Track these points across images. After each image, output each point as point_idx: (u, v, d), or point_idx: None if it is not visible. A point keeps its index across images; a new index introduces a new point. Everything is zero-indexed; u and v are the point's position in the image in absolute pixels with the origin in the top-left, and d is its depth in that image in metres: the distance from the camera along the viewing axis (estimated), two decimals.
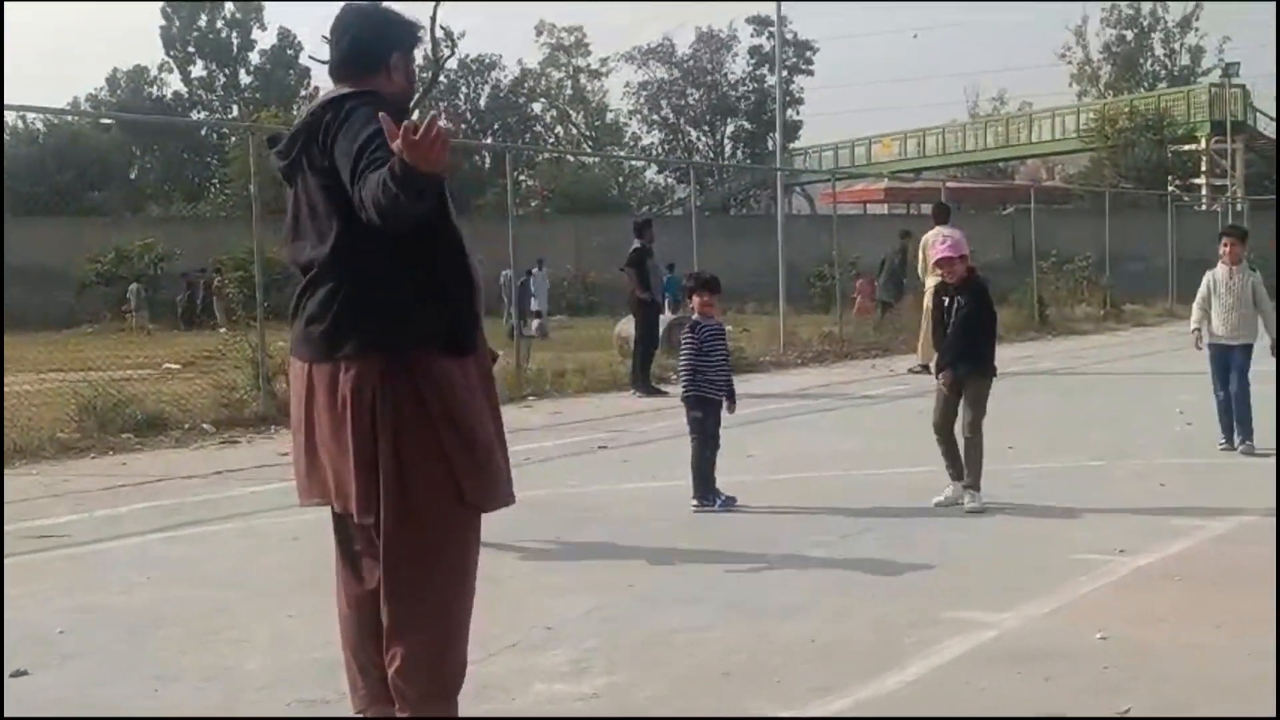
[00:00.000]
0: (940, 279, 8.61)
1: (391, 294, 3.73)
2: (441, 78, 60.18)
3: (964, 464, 8.18)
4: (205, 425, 12.37)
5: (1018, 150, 58.16)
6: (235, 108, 63.45)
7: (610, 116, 71.48)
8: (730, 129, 70.00)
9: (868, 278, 26.05)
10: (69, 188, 50.27)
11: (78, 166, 51.95)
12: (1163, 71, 68.62)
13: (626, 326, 17.87)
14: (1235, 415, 9.98)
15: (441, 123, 3.27)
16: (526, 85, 69.78)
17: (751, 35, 67.62)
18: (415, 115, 3.52)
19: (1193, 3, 66.90)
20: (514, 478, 4.05)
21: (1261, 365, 10.31)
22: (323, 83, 59.46)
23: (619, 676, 4.93)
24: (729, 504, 8.24)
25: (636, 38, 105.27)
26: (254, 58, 65.70)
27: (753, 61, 68.33)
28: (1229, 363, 10.02)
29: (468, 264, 3.86)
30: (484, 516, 3.94)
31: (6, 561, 6.78)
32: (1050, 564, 6.60)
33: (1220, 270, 10.10)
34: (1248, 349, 10.03)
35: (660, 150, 68.71)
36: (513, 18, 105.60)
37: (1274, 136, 51.93)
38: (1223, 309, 10.03)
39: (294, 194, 3.90)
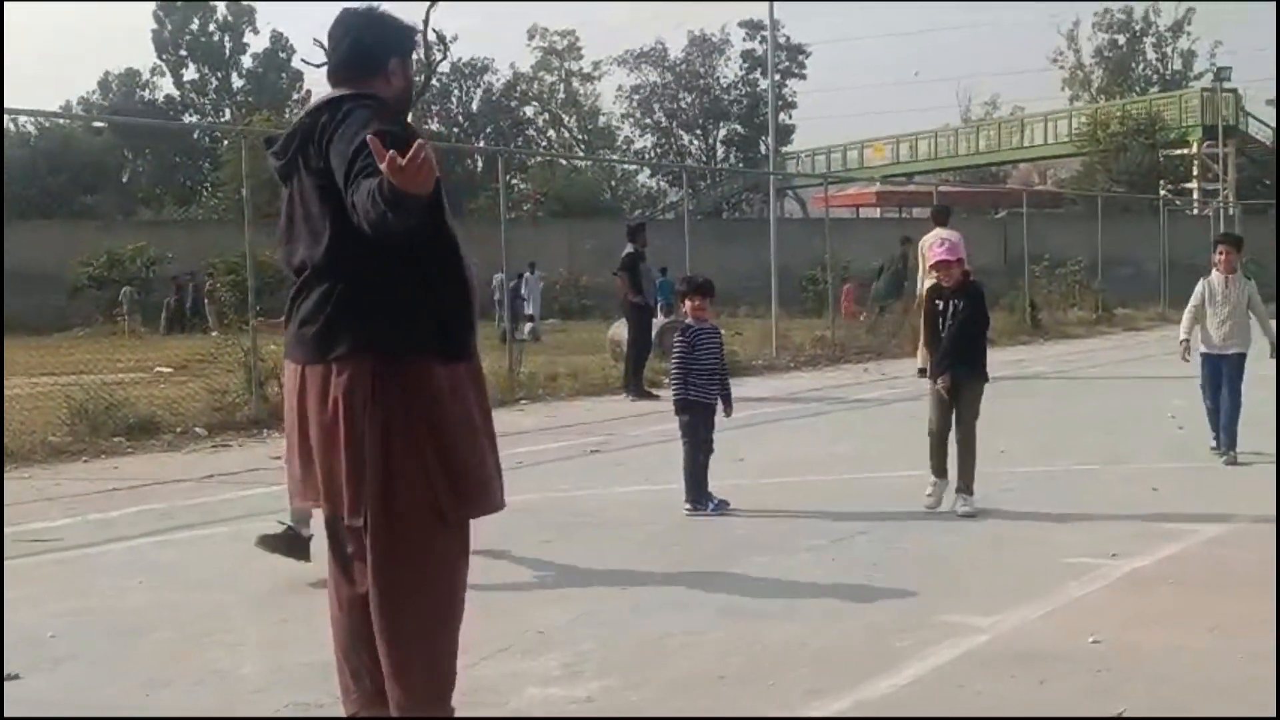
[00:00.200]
0: (936, 281, 8.55)
1: (385, 297, 3.73)
2: (434, 81, 60.28)
3: (958, 468, 8.13)
4: (197, 429, 12.36)
5: (1010, 154, 58.27)
6: (227, 111, 63.48)
7: (603, 120, 71.55)
8: (723, 133, 70.05)
9: (854, 283, 26.04)
10: (61, 191, 50.25)
11: (70, 170, 51.92)
12: (1154, 76, 68.78)
13: (619, 330, 17.87)
14: (1223, 425, 9.78)
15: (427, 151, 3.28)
16: (519, 89, 69.80)
17: (744, 39, 67.77)
18: (410, 117, 3.53)
19: (1187, 2, 67.05)
20: (506, 481, 4.04)
21: (1262, 369, 10.30)
22: (315, 86, 59.45)
23: (612, 680, 4.92)
24: (722, 508, 8.24)
25: (631, 40, 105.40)
26: (246, 61, 65.74)
27: (745, 65, 68.41)
28: (1220, 372, 9.85)
29: (463, 268, 3.85)
30: (476, 520, 3.94)
31: None
32: (1043, 567, 6.61)
33: (1215, 278, 9.92)
34: (1240, 359, 9.83)
35: (653, 154, 68.74)
36: (507, 19, 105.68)
37: (1265, 141, 52.15)
38: (1217, 318, 9.84)
39: (289, 195, 3.89)
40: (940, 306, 8.31)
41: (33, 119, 54.69)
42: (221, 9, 64.75)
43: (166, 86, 65.72)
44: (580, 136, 71.09)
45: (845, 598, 6.09)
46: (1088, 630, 5.38)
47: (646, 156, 68.59)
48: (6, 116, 55.20)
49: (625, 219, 30.82)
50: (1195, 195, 48.19)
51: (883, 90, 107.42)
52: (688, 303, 8.65)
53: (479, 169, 57.11)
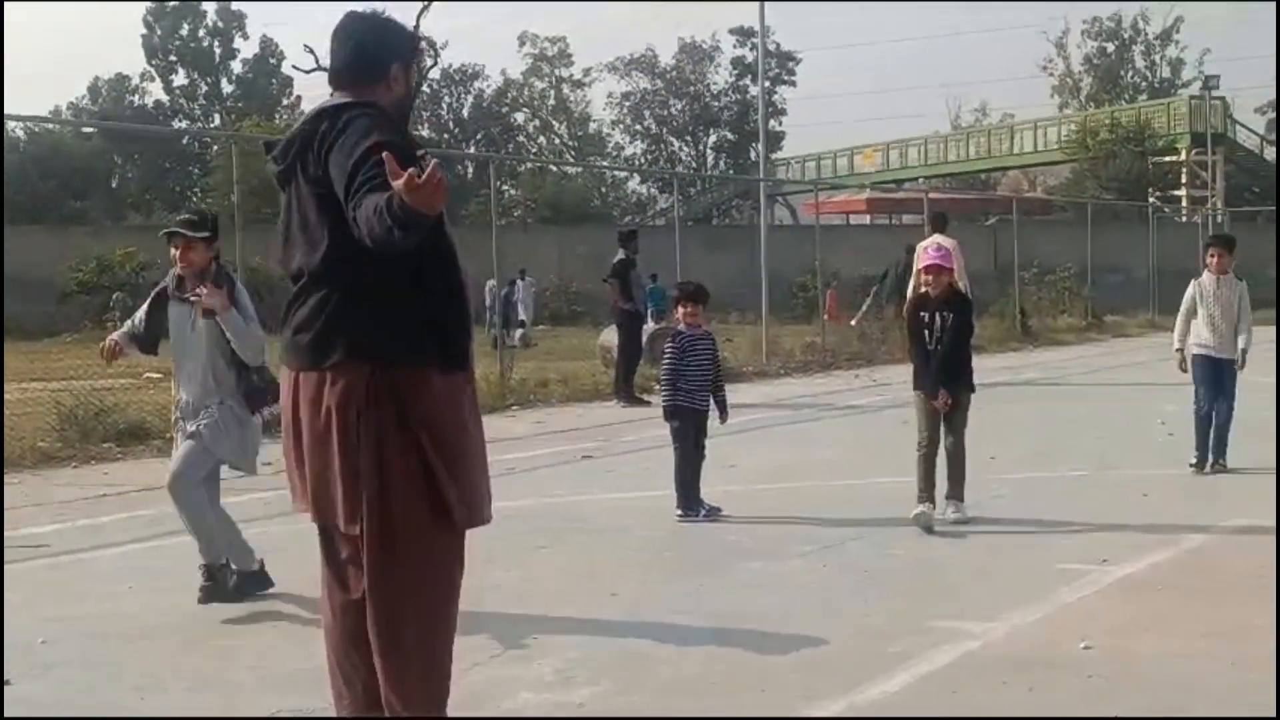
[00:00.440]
0: (921, 292, 8.27)
1: (382, 305, 3.72)
2: (424, 87, 60.30)
3: (949, 478, 8.05)
4: None
5: (999, 161, 58.37)
6: (217, 116, 63.36)
7: (593, 126, 71.58)
8: (713, 139, 70.11)
9: (836, 288, 26.00)
10: (50, 196, 50.10)
11: (59, 175, 51.79)
12: (1143, 83, 69.00)
13: (609, 336, 17.87)
14: (1214, 435, 9.61)
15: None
16: (509, 95, 69.79)
17: (734, 46, 67.84)
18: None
19: (1185, 1, 67.27)
20: (498, 488, 4.05)
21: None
22: (305, 91, 59.38)
23: (604, 686, 4.92)
24: (713, 514, 8.24)
25: (623, 45, 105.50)
26: (236, 66, 65.63)
27: (735, 72, 68.48)
28: (1219, 375, 9.64)
29: (460, 278, 3.85)
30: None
31: None
32: (1035, 573, 6.62)
33: (1207, 279, 9.74)
34: (1235, 362, 9.66)
35: (643, 160, 68.77)
36: (497, 25, 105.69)
37: (1252, 149, 52.34)
38: (1210, 320, 9.63)
39: (287, 200, 3.88)
40: (926, 319, 8.07)
41: (22, 124, 54.59)
42: (211, 14, 64.67)
43: (156, 92, 65.61)
44: (570, 143, 71.11)
45: (837, 604, 6.09)
46: (1079, 636, 5.39)
47: (637, 163, 68.65)
48: None
49: (616, 225, 30.89)
50: (1184, 202, 48.34)
51: (873, 97, 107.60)
52: (680, 309, 8.65)
53: (469, 175, 57.09)
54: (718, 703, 4.74)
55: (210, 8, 64.48)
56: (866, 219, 54.97)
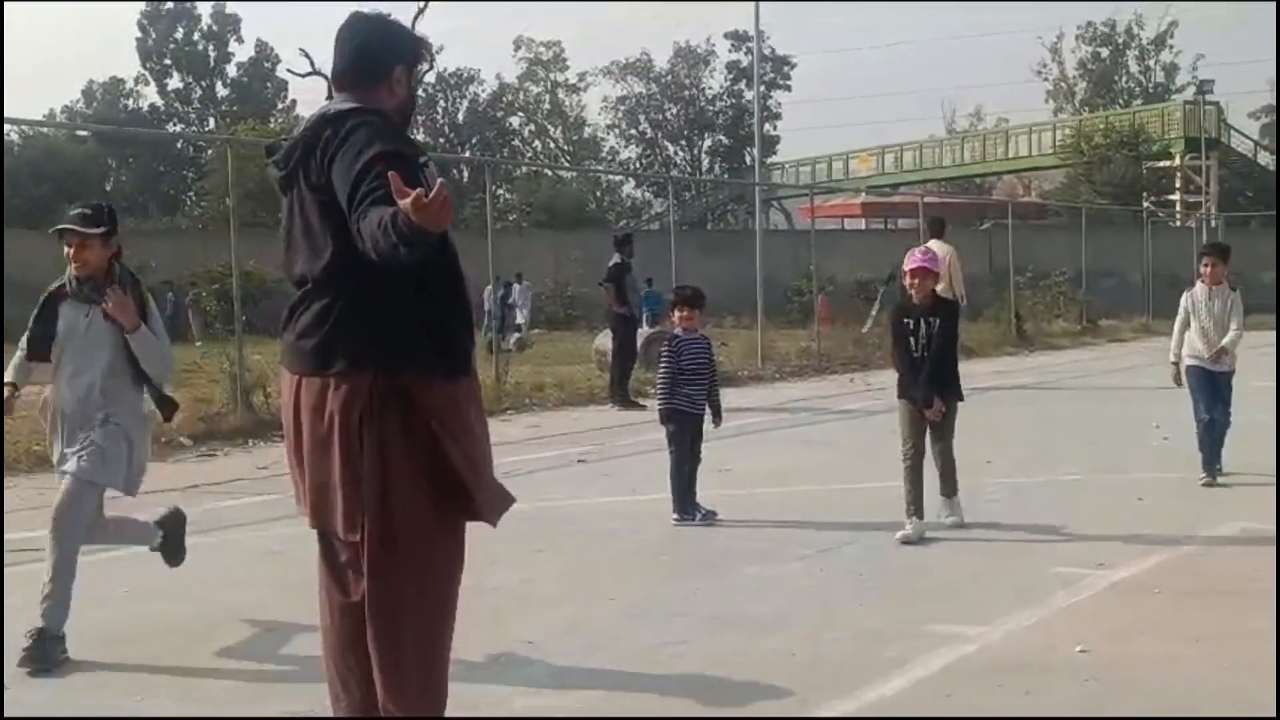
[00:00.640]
0: (908, 296, 7.96)
1: (385, 313, 3.70)
2: (420, 91, 60.29)
3: (940, 477, 7.94)
4: (182, 439, 12.31)
5: (994, 166, 58.47)
6: (212, 120, 63.35)
7: (588, 131, 71.65)
8: (708, 144, 70.22)
9: (824, 296, 25.98)
10: (44, 200, 50.04)
11: (53, 179, 51.73)
12: (1137, 88, 69.14)
13: (604, 340, 17.89)
14: (1210, 444, 9.44)
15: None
16: (505, 99, 69.85)
17: (729, 50, 67.95)
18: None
19: (1183, 2, 67.35)
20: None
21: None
22: (300, 95, 59.38)
23: (600, 690, 4.92)
24: (709, 518, 8.24)
25: (619, 50, 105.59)
26: (231, 70, 65.64)
27: (730, 77, 68.57)
28: (1215, 385, 9.45)
29: (463, 285, 3.85)
30: (464, 530, 3.94)
31: None
32: (1030, 577, 6.63)
33: (1199, 290, 9.52)
34: (1229, 376, 9.53)
35: (638, 165, 68.83)
36: (492, 28, 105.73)
37: (1246, 154, 52.47)
38: (1204, 331, 9.42)
39: (289, 205, 3.87)
40: (911, 325, 7.84)
41: (16, 128, 54.56)
42: (206, 18, 64.68)
43: (151, 95, 65.67)
44: (566, 147, 71.17)
45: (833, 607, 6.10)
46: (1075, 640, 5.40)
47: (632, 167, 68.73)
48: None
49: (611, 229, 30.89)
50: (1178, 207, 48.44)
51: (868, 102, 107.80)
52: (676, 313, 8.65)
53: (464, 179, 57.10)
54: (714, 706, 4.74)
55: (205, 10, 64.54)
56: (862, 223, 55.00)
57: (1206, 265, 9.62)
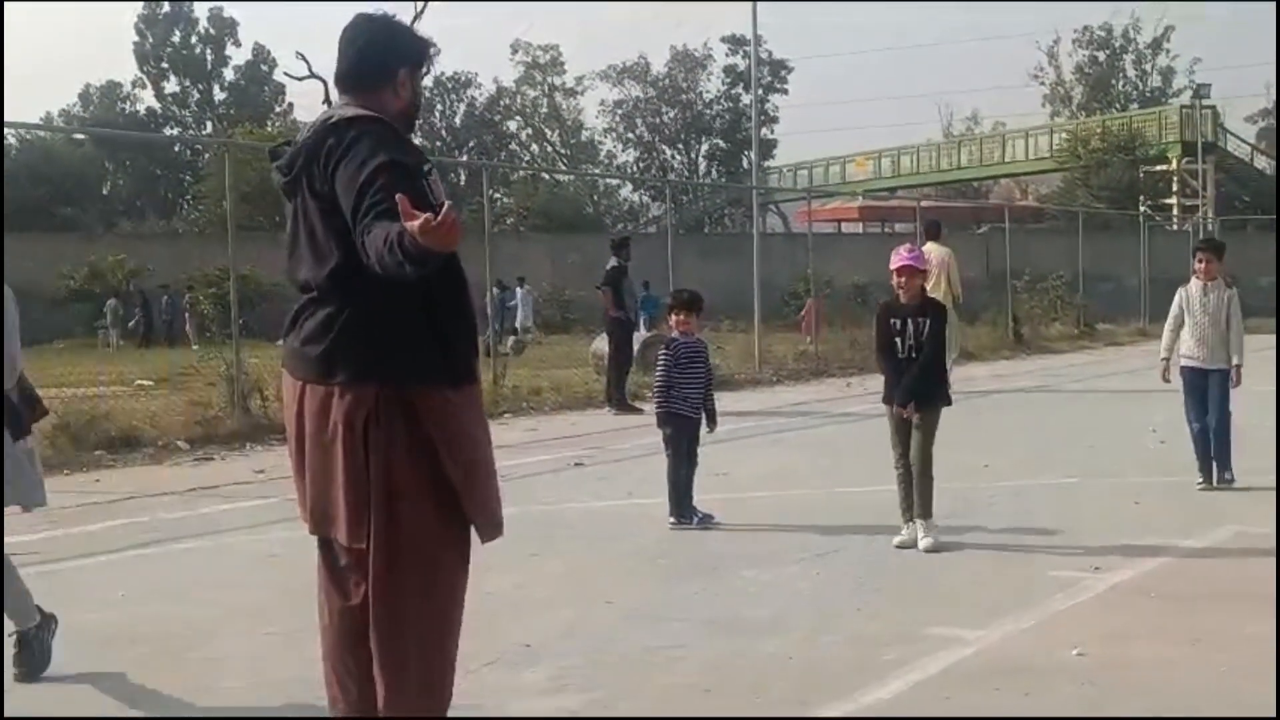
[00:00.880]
0: (895, 295, 7.69)
1: (389, 324, 3.69)
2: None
3: (915, 492, 7.49)
4: (179, 442, 12.30)
5: (991, 170, 58.56)
6: (209, 124, 63.37)
7: (585, 134, 71.66)
8: (705, 147, 70.22)
9: (817, 300, 25.91)
10: (41, 203, 50.05)
11: (50, 182, 51.75)
12: (1134, 93, 69.14)
13: (601, 344, 17.89)
14: (1214, 449, 9.25)
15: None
16: (502, 103, 69.86)
17: (726, 54, 67.96)
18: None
19: (1182, 1, 67.45)
20: None
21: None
22: (298, 99, 59.37)
23: (598, 693, 4.92)
24: (706, 521, 8.24)
25: (616, 52, 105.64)
26: (228, 74, 65.66)
27: (727, 80, 68.59)
28: (1206, 389, 9.27)
29: (467, 294, 3.84)
30: (470, 535, 3.93)
31: None
32: (1027, 581, 6.63)
33: (1194, 286, 9.33)
34: (1224, 376, 9.30)
35: (635, 168, 68.85)
36: (490, 31, 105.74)
37: (1243, 157, 52.55)
38: (1197, 329, 9.26)
39: (293, 211, 3.86)
40: (897, 325, 7.55)
41: (13, 131, 54.57)
42: (204, 21, 64.70)
43: (148, 99, 65.72)
44: (563, 151, 71.17)
45: (831, 611, 6.10)
46: (1072, 643, 5.40)
47: (629, 171, 68.72)
48: None
49: (608, 233, 30.85)
50: (1175, 211, 48.50)
51: (865, 106, 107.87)
52: (674, 317, 8.65)
53: (462, 183, 57.10)
54: (712, 710, 4.74)
55: (202, 13, 64.55)
56: (859, 227, 55.04)
57: (1201, 261, 9.43)
